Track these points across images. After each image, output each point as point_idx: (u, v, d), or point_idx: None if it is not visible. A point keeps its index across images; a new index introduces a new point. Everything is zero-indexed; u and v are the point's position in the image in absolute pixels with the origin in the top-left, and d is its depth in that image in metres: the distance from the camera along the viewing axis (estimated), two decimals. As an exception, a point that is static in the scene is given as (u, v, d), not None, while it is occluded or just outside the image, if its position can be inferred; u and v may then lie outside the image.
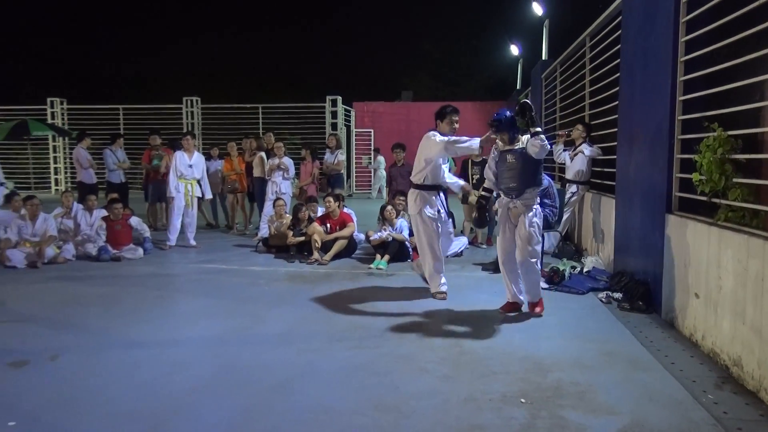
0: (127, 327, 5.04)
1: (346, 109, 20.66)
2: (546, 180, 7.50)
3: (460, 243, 8.47)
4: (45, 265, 7.67)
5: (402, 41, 41.44)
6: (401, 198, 8.25)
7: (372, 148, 20.75)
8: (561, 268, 6.65)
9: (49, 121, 19.62)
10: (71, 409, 3.43)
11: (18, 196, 8.61)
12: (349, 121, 21.12)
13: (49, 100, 20.65)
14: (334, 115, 19.67)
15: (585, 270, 6.80)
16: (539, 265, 5.41)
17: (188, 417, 3.33)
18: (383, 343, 4.58)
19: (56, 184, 20.77)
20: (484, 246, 9.15)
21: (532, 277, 5.31)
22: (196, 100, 20.68)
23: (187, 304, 6.03)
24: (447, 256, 8.10)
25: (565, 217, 8.36)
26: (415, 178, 6.05)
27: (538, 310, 5.37)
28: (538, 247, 5.33)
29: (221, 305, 5.82)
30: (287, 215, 8.87)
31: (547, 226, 7.56)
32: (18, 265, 7.53)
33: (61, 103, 20.86)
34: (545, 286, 6.36)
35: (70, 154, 17.71)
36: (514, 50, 21.25)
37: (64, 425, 3.24)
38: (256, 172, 10.39)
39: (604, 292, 5.94)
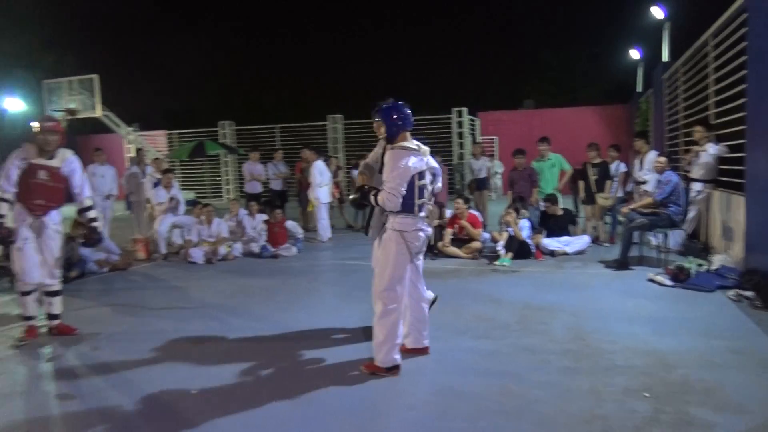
0: (284, 314, 5.36)
1: (471, 119, 20.46)
2: (675, 177, 6.97)
3: (583, 241, 8.09)
4: (218, 261, 8.35)
5: (522, 52, 40.30)
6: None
7: (495, 155, 20.46)
8: (687, 265, 6.12)
9: (221, 140, 21.30)
10: (241, 379, 3.72)
11: (199, 204, 9.44)
12: (474, 130, 20.89)
13: (219, 122, 22.42)
14: (460, 125, 19.55)
15: (713, 268, 6.21)
16: (388, 314, 3.74)
17: (337, 392, 3.49)
18: (507, 334, 4.48)
19: (227, 193, 22.50)
20: (606, 244, 8.65)
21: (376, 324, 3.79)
22: (340, 117, 21.49)
23: (332, 294, 6.29)
24: (568, 254, 7.80)
25: (690, 215, 7.68)
26: None
27: (367, 368, 3.79)
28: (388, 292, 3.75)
29: (360, 296, 5.98)
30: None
31: (673, 224, 7.02)
32: (198, 261, 8.26)
33: (230, 125, 22.55)
34: (669, 283, 5.90)
35: (238, 168, 19.24)
36: (635, 54, 19.89)
37: (237, 393, 3.52)
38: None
39: (734, 290, 5.38)
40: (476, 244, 7.99)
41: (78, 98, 16.47)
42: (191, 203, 10.75)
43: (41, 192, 4.67)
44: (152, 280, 7.29)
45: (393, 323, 3.77)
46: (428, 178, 3.86)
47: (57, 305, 4.92)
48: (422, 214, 3.85)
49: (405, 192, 3.67)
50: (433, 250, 8.24)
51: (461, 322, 4.88)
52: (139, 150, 11.21)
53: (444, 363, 3.93)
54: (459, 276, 6.81)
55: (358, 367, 3.85)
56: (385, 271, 3.79)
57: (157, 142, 22.69)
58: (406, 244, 3.78)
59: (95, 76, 16.38)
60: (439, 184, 4.09)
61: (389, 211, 3.76)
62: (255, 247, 8.79)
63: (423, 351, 4.09)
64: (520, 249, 7.59)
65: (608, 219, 9.08)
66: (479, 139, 20.66)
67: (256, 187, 11.59)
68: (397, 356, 3.78)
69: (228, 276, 7.36)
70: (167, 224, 8.98)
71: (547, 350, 4.07)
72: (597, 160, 8.94)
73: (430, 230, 4.02)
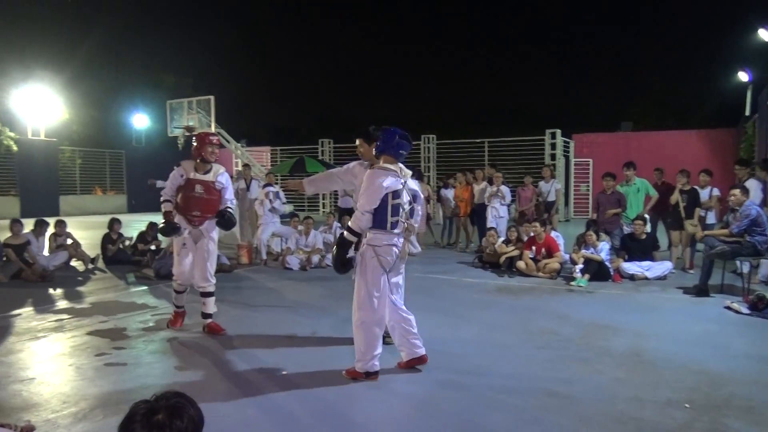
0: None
1: (565, 141, 20.38)
2: (755, 210, 6.92)
3: (665, 267, 8.12)
4: (312, 268, 9.18)
5: (626, 72, 39.25)
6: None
7: (590, 177, 20.24)
8: None
9: (320, 157, 22.63)
10: (325, 367, 4.36)
11: (297, 217, 10.37)
12: (568, 152, 20.77)
13: (319, 140, 23.81)
14: (554, 146, 19.55)
15: (796, 299, 6.12)
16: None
17: (404, 381, 4.04)
18: (567, 346, 4.83)
19: (323, 207, 23.79)
20: (692, 271, 8.56)
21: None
22: (432, 137, 22.16)
23: (413, 303, 6.80)
24: (648, 279, 7.85)
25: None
26: None
27: (348, 374, 4.12)
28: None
29: (438, 305, 6.49)
30: (498, 237, 9.34)
31: (757, 253, 6.94)
32: (293, 268, 9.14)
33: (329, 143, 23.89)
34: (746, 311, 5.92)
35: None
36: (743, 76, 19.01)
37: (319, 378, 4.15)
38: (479, 199, 11.16)
39: (812, 322, 5.36)
40: (554, 265, 8.23)
41: (196, 117, 18.29)
42: (289, 216, 11.74)
43: (198, 204, 5.23)
44: (253, 282, 8.20)
45: (370, 333, 4.05)
46: (406, 198, 4.07)
47: (209, 305, 5.34)
48: (396, 230, 4.08)
49: (373, 210, 3.95)
50: (511, 269, 8.59)
51: (527, 332, 5.27)
52: (245, 165, 12.40)
53: (503, 365, 4.35)
54: (533, 294, 7.14)
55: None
56: (360, 284, 4.09)
57: (262, 157, 24.46)
58: (377, 258, 4.05)
59: (211, 97, 18.15)
60: (419, 207, 4.26)
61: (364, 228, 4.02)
62: (345, 258, 9.53)
63: (420, 360, 4.23)
64: (598, 271, 7.78)
65: (700, 246, 8.97)
66: (573, 161, 20.55)
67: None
68: (377, 363, 4.06)
69: (319, 282, 8.12)
70: (268, 233, 9.96)
71: (601, 362, 4.39)
72: (687, 187, 8.90)
73: (401, 245, 4.20)
